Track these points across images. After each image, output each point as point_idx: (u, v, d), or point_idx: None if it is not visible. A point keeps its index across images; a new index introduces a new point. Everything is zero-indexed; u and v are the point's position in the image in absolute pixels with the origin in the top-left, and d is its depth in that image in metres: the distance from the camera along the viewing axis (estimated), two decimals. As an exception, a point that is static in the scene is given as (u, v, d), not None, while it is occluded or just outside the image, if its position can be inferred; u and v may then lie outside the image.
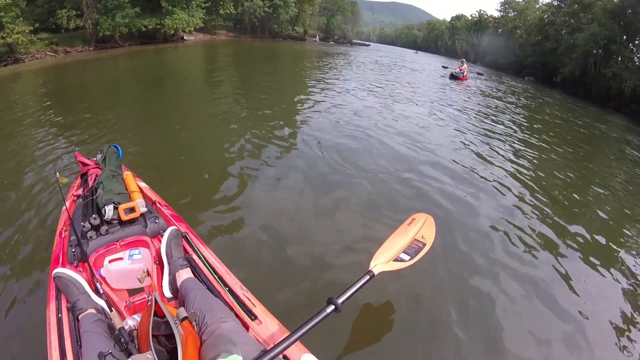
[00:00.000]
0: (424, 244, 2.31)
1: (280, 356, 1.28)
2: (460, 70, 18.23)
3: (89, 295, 1.57)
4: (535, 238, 3.66)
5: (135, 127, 6.02)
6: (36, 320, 1.84)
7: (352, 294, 1.74)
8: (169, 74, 12.57)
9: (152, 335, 1.17)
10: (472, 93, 14.58)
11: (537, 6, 38.14)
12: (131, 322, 1.35)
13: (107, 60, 15.63)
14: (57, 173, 2.48)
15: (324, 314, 1.55)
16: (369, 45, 57.42)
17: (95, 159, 2.80)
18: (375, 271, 1.98)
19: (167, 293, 1.72)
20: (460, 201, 4.21)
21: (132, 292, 1.74)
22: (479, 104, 11.90)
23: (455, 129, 7.66)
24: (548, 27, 32.31)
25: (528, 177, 5.41)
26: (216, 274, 1.74)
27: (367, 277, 1.90)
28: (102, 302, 1.57)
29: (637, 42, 23.43)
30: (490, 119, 9.54)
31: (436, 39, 65.51)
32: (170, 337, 1.21)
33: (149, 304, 1.60)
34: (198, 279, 1.73)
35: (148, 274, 1.74)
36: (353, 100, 9.32)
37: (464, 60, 20.72)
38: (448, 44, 60.60)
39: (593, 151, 8.94)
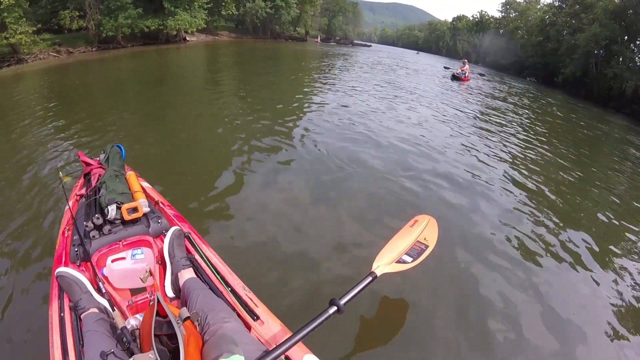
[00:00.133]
0: (427, 246, 2.30)
1: (282, 357, 1.28)
2: (462, 71, 18.15)
3: (92, 295, 1.57)
4: (537, 241, 3.64)
5: (138, 128, 6.04)
6: (39, 319, 1.84)
7: (355, 295, 1.74)
8: (171, 75, 12.60)
9: (154, 335, 1.17)
10: (474, 94, 14.57)
11: (539, 7, 38.17)
12: (133, 321, 1.35)
13: (110, 60, 15.68)
14: (60, 172, 2.49)
15: (327, 315, 1.54)
16: (370, 46, 57.47)
17: (98, 158, 2.81)
18: (378, 273, 1.98)
19: (170, 293, 1.72)
20: (462, 203, 4.20)
21: (135, 291, 1.74)
22: (481, 105, 11.89)
23: (458, 131, 7.65)
24: (549, 28, 32.34)
25: (531, 179, 5.39)
26: (218, 274, 1.74)
27: (370, 279, 1.90)
28: (104, 302, 1.57)
29: (638, 42, 23.42)
30: (492, 120, 9.52)
31: (437, 39, 65.61)
32: (173, 337, 1.21)
33: (151, 303, 1.60)
34: (200, 279, 1.73)
35: (150, 273, 1.74)
36: (355, 101, 9.32)
37: (466, 60, 20.54)
38: (449, 45, 60.67)
39: (595, 152, 8.92)
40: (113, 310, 1.51)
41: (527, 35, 37.16)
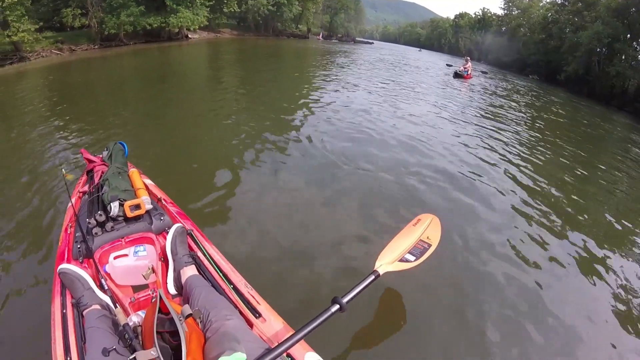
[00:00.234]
0: (430, 245, 2.30)
1: (284, 355, 1.28)
2: (465, 68, 17.95)
3: (94, 291, 1.57)
4: (540, 242, 3.61)
5: (140, 125, 6.05)
6: (41, 315, 1.85)
7: (357, 294, 1.74)
8: (173, 73, 12.60)
9: (157, 331, 1.17)
10: (477, 92, 14.50)
11: (541, 4, 37.86)
12: (135, 318, 1.35)
13: (112, 58, 15.69)
14: (63, 170, 2.50)
15: (329, 313, 1.54)
16: (373, 43, 57.22)
17: (101, 155, 2.81)
18: (381, 271, 1.97)
19: (172, 290, 1.72)
20: (465, 202, 4.18)
21: (137, 288, 1.74)
22: (483, 103, 11.84)
23: (461, 129, 7.62)
24: (552, 25, 32.16)
25: (534, 178, 5.36)
26: (221, 272, 1.74)
27: (372, 277, 1.90)
28: (106, 298, 1.57)
29: (641, 40, 23.28)
30: (495, 118, 9.48)
31: (439, 37, 65.32)
32: (175, 334, 1.21)
33: (153, 300, 1.61)
34: (203, 276, 1.73)
35: (153, 270, 1.75)
36: (357, 98, 9.29)
37: (469, 58, 20.18)
38: (451, 42, 60.41)
39: (598, 151, 8.88)
40: (115, 307, 1.51)
41: (529, 33, 36.93)
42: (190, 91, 9.22)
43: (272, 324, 1.49)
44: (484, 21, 51.55)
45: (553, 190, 5.06)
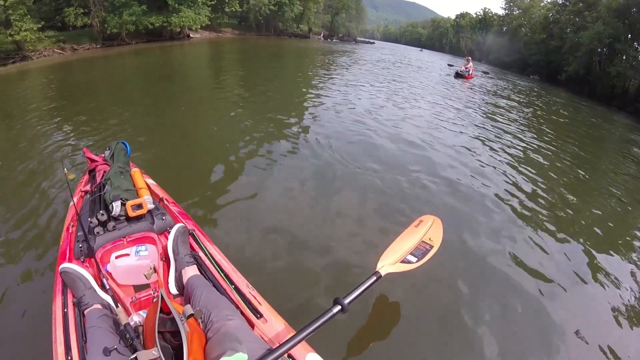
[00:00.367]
0: (432, 246, 2.29)
1: (286, 355, 1.27)
2: (466, 68, 17.87)
3: (95, 291, 1.57)
4: (541, 244, 3.58)
5: (142, 124, 6.04)
6: (42, 314, 1.85)
7: (359, 295, 1.73)
8: (175, 72, 12.61)
9: (158, 331, 1.17)
10: (478, 92, 14.48)
11: (542, 4, 37.78)
12: (137, 318, 1.36)
13: (114, 57, 15.70)
14: (65, 169, 2.49)
15: (330, 314, 1.54)
16: (374, 43, 57.18)
17: (103, 155, 2.81)
18: (382, 272, 1.97)
19: (173, 290, 1.72)
20: (467, 204, 4.17)
21: (138, 288, 1.74)
22: (485, 104, 11.83)
23: (462, 129, 7.61)
24: (553, 26, 32.11)
25: (534, 180, 5.34)
26: (222, 272, 1.74)
27: (374, 278, 1.89)
28: (108, 298, 1.57)
29: (641, 40, 23.23)
30: (496, 119, 9.46)
31: (441, 36, 65.19)
32: (176, 333, 1.21)
33: (155, 300, 1.61)
34: (204, 276, 1.73)
35: (154, 270, 1.75)
36: (358, 98, 9.29)
37: (470, 58, 20.04)
38: (453, 42, 60.31)
39: (599, 152, 8.85)
40: (117, 306, 1.51)
41: (530, 33, 36.87)
42: (192, 91, 9.22)
43: (273, 325, 1.48)
44: (485, 21, 51.50)
45: (554, 192, 5.04)
